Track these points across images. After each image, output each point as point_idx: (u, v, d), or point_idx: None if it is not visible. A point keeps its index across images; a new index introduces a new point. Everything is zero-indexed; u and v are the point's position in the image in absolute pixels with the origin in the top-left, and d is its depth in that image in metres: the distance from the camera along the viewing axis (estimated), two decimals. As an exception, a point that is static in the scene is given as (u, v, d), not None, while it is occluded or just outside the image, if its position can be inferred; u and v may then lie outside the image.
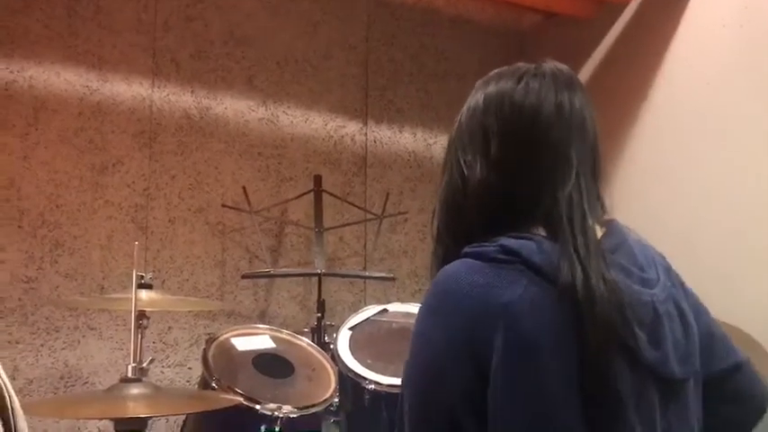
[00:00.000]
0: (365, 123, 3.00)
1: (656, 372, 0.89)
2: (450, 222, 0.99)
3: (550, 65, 1.00)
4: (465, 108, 1.02)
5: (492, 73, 1.03)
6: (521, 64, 1.01)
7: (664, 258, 1.03)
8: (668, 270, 1.01)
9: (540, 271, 0.86)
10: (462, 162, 0.97)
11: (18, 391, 2.28)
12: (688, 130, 2.35)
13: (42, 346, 2.37)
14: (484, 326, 0.84)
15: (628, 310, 0.86)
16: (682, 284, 1.03)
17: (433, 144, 3.11)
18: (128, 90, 2.58)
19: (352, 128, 2.97)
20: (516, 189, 0.94)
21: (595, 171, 0.98)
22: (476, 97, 1.01)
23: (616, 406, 0.84)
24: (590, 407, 0.83)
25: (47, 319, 2.39)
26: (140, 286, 1.79)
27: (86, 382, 2.42)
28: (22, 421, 1.01)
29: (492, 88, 0.99)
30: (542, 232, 0.92)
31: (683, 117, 2.37)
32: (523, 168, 0.94)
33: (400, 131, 3.06)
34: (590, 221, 0.92)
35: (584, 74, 2.78)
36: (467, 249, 0.92)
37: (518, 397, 0.83)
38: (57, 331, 2.40)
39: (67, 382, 2.40)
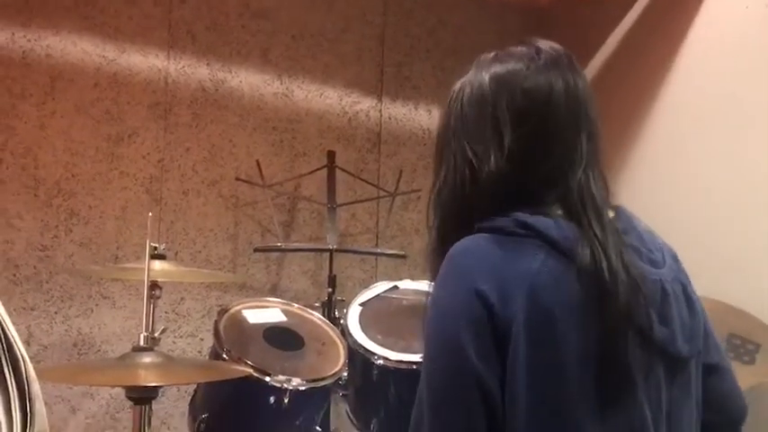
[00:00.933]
0: (380, 100, 2.98)
1: (665, 349, 0.91)
2: (456, 213, 0.97)
3: (547, 46, 0.98)
4: (464, 90, 0.99)
5: (490, 55, 1.00)
6: (520, 47, 0.99)
7: (670, 247, 1.03)
8: (675, 256, 1.02)
9: (557, 246, 0.87)
10: (471, 153, 0.95)
11: (32, 357, 2.31)
12: (707, 116, 2.31)
13: (57, 313, 2.41)
14: (502, 297, 0.85)
15: (642, 290, 0.88)
16: (687, 277, 1.03)
17: (448, 122, 3.08)
18: (144, 61, 2.58)
19: (366, 104, 2.96)
20: (530, 176, 0.94)
21: (598, 152, 0.98)
22: (477, 82, 0.98)
23: (626, 382, 0.86)
24: (601, 381, 0.84)
25: (61, 287, 2.42)
26: (154, 257, 1.80)
27: (99, 350, 2.46)
28: (35, 385, 1.03)
29: (497, 72, 0.97)
30: (559, 211, 0.92)
31: (702, 102, 2.34)
32: (537, 156, 0.94)
33: (415, 108, 3.04)
34: (600, 201, 0.93)
35: (604, 52, 2.74)
36: (480, 224, 0.92)
37: (536, 368, 0.84)
38: (71, 299, 2.43)
39: (81, 349, 2.44)
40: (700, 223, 2.24)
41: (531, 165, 0.94)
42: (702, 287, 1.09)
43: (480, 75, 0.98)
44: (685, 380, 0.95)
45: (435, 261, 0.95)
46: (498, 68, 0.97)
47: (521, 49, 0.99)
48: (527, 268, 0.86)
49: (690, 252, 1.05)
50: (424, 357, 0.91)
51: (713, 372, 1.03)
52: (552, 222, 0.89)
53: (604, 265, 0.86)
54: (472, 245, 0.91)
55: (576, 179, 0.92)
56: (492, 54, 1.01)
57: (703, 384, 1.00)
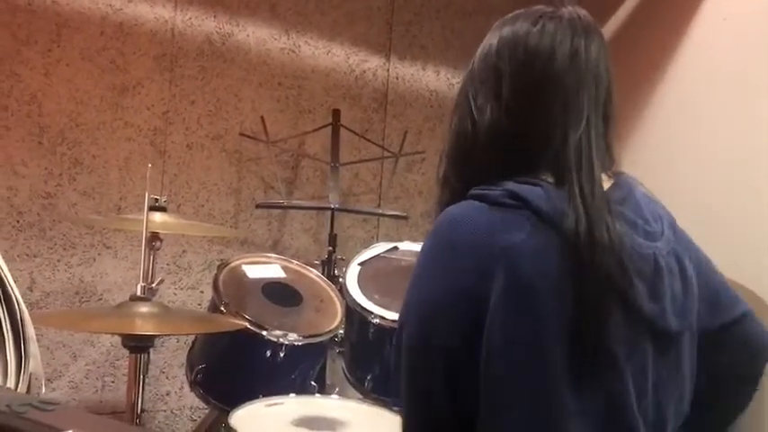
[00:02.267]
0: (388, 59, 2.95)
1: (653, 324, 0.90)
2: (458, 166, 0.99)
3: (569, 9, 0.98)
4: (479, 50, 1.01)
5: (509, 15, 1.01)
6: (540, 6, 0.99)
7: (670, 214, 1.03)
8: (673, 225, 1.01)
9: (546, 218, 0.87)
10: (473, 105, 0.97)
11: (35, 303, 2.36)
12: (718, 83, 2.28)
13: (59, 261, 2.43)
14: (483, 269, 0.85)
15: (628, 262, 0.87)
16: (688, 241, 1.03)
17: (456, 84, 3.05)
18: (150, 12, 2.55)
19: (374, 63, 2.92)
20: (525, 133, 0.94)
21: (607, 120, 0.97)
22: (490, 40, 0.99)
23: (605, 353, 0.86)
24: (579, 352, 0.84)
25: (64, 235, 2.44)
26: (154, 208, 1.81)
27: (100, 299, 2.49)
28: (30, 328, 1.05)
29: (507, 31, 0.97)
30: (550, 178, 0.91)
31: (714, 70, 2.30)
32: (533, 113, 0.93)
33: (423, 69, 3.01)
34: (597, 170, 0.91)
35: (619, 16, 2.69)
36: (472, 192, 0.93)
37: (512, 339, 0.84)
38: (73, 248, 2.45)
39: (82, 297, 2.47)
40: (704, 194, 2.23)
41: (527, 119, 0.93)
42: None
43: (494, 35, 1.00)
44: (675, 356, 0.95)
45: (439, 213, 0.96)
46: (509, 28, 0.98)
47: (539, 8, 0.99)
48: (512, 240, 0.85)
49: (693, 225, 1.05)
50: (399, 324, 0.92)
51: (738, 322, 1.04)
52: (543, 192, 0.88)
53: (584, 234, 0.85)
54: (459, 215, 0.91)
55: (574, 143, 0.91)
56: (511, 15, 1.01)
57: (730, 337, 1.02)
